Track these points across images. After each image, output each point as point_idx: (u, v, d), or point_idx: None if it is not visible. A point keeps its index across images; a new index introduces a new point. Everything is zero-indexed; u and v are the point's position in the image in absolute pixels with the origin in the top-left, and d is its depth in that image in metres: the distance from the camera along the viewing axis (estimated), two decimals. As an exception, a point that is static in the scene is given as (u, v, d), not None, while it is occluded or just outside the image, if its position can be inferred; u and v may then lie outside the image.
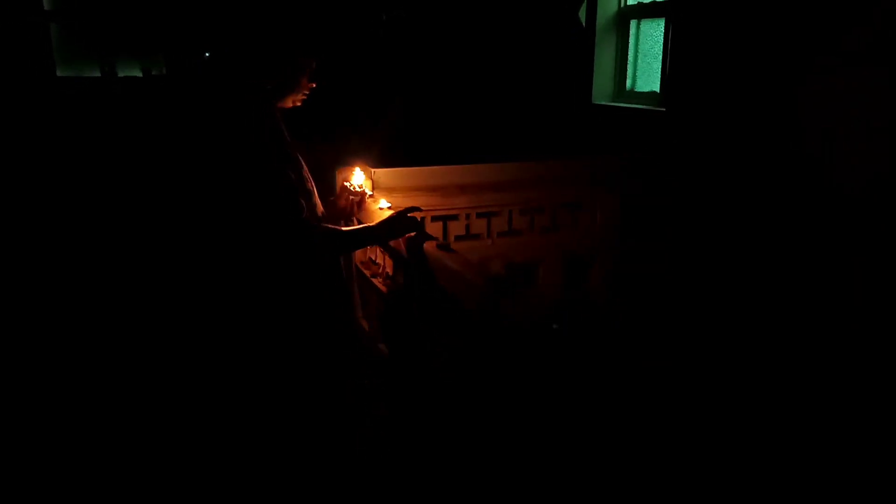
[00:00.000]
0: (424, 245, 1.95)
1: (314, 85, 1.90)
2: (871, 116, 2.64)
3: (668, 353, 2.66)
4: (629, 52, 4.32)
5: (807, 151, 2.88)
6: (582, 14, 4.38)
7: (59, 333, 3.36)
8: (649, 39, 4.21)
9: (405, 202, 2.65)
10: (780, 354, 2.72)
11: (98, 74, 4.82)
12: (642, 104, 4.12)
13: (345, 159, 2.47)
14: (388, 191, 2.62)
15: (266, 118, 1.78)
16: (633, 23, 4.28)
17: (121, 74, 4.85)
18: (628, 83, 4.35)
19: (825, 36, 2.78)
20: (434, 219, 2.81)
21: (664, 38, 3.90)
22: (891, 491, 2.01)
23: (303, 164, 1.88)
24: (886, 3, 2.56)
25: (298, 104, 1.91)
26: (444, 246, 1.95)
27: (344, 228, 1.97)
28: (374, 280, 2.46)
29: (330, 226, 1.93)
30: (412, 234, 1.98)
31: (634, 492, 1.47)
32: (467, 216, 2.88)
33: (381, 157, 2.81)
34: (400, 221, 1.96)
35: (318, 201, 1.95)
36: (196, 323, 2.01)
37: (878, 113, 2.62)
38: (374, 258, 2.55)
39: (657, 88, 4.04)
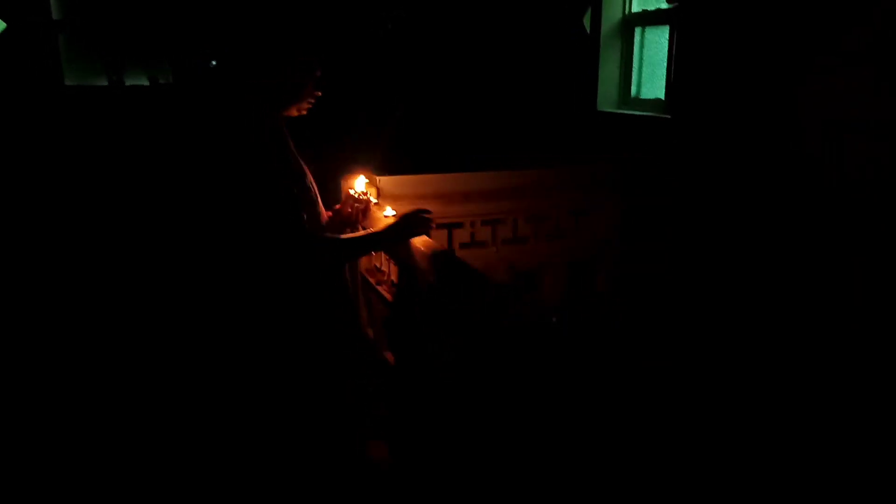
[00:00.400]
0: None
1: (319, 93, 1.89)
2: (871, 116, 2.65)
3: (668, 353, 2.66)
4: (634, 60, 4.32)
5: (807, 151, 2.88)
6: (587, 21, 4.39)
7: (69, 338, 3.38)
8: (654, 47, 4.22)
9: (410, 209, 2.65)
10: (780, 354, 2.72)
11: (105, 83, 4.85)
12: (647, 111, 4.12)
13: (350, 167, 2.48)
14: (393, 198, 2.63)
15: (270, 128, 1.79)
16: (637, 30, 4.29)
17: (128, 83, 4.88)
18: (633, 90, 4.36)
19: (826, 37, 2.79)
20: (439, 226, 2.81)
21: (669, 46, 3.91)
22: (891, 491, 2.00)
23: (307, 172, 1.88)
24: (886, 4, 2.57)
25: (304, 112, 1.90)
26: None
27: (346, 236, 1.97)
28: (379, 287, 2.46)
29: (331, 235, 1.94)
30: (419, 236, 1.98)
31: (635, 491, 1.47)
32: (472, 224, 2.89)
33: (386, 164, 2.81)
34: (405, 224, 1.96)
35: (322, 210, 1.95)
36: (199, 326, 2.02)
37: (878, 113, 2.62)
38: (378, 265, 2.56)
39: (662, 95, 4.04)
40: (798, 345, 2.75)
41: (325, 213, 1.98)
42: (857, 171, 2.72)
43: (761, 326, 2.89)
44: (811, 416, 2.31)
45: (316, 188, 1.91)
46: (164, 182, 4.18)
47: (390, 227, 1.96)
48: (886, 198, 2.61)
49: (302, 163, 1.86)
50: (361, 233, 2.04)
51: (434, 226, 2.00)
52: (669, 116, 3.77)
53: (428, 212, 2.01)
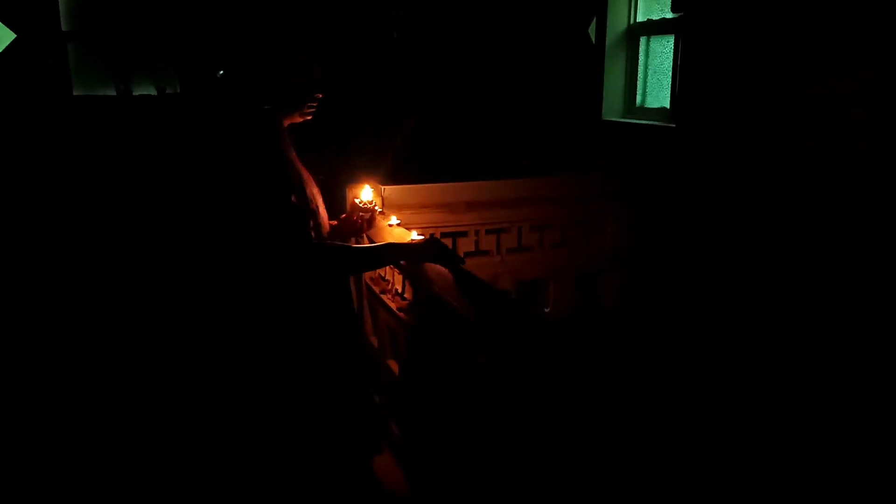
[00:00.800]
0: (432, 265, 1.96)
1: (321, 95, 1.86)
2: (871, 118, 2.65)
3: (668, 353, 2.66)
4: (639, 69, 4.34)
5: (808, 153, 2.89)
6: (592, 31, 4.41)
7: (77, 341, 3.41)
8: (659, 56, 4.23)
9: (415, 219, 2.67)
10: (780, 354, 2.72)
11: (113, 93, 4.89)
12: (652, 120, 4.13)
13: (355, 176, 2.49)
14: (398, 208, 2.64)
15: (270, 129, 1.79)
16: (642, 40, 4.30)
17: (136, 93, 4.92)
18: (638, 99, 4.37)
19: (827, 39, 2.80)
20: (443, 235, 2.82)
21: (673, 55, 3.92)
22: (891, 491, 1.99)
23: (310, 181, 1.87)
24: (887, 5, 2.57)
25: (308, 117, 1.88)
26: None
27: (359, 245, 1.98)
28: (383, 296, 2.46)
29: (340, 243, 1.94)
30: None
31: (635, 492, 1.47)
32: (476, 232, 2.89)
33: (394, 168, 2.82)
34: (434, 252, 1.95)
35: (324, 220, 1.94)
36: (202, 329, 2.02)
37: (878, 114, 2.62)
38: (383, 275, 2.56)
39: (667, 104, 4.05)
40: (798, 344, 2.75)
41: (326, 225, 1.97)
42: (858, 172, 2.72)
43: (762, 326, 2.89)
44: (811, 416, 2.31)
45: (320, 198, 1.91)
46: (169, 189, 4.20)
47: (415, 249, 1.94)
48: (887, 199, 2.61)
49: (305, 172, 1.86)
50: (378, 244, 2.03)
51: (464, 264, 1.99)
52: (674, 125, 3.78)
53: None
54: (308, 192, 1.81)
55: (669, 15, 3.97)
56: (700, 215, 3.24)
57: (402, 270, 2.23)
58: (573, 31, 4.52)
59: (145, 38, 4.92)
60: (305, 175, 1.85)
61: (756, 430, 2.20)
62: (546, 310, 3.08)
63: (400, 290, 2.37)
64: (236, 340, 1.86)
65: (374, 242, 2.12)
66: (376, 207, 2.27)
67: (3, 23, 4.29)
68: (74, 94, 4.77)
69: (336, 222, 2.13)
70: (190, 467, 2.49)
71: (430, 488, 2.13)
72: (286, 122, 1.85)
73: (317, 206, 1.86)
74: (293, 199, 1.73)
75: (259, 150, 1.74)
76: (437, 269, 1.94)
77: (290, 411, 1.87)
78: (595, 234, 3.16)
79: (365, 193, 2.27)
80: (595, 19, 4.39)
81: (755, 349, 2.77)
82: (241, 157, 1.74)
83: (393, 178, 2.94)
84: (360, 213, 2.20)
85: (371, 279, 2.61)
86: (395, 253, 1.99)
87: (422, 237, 2.10)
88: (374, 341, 2.64)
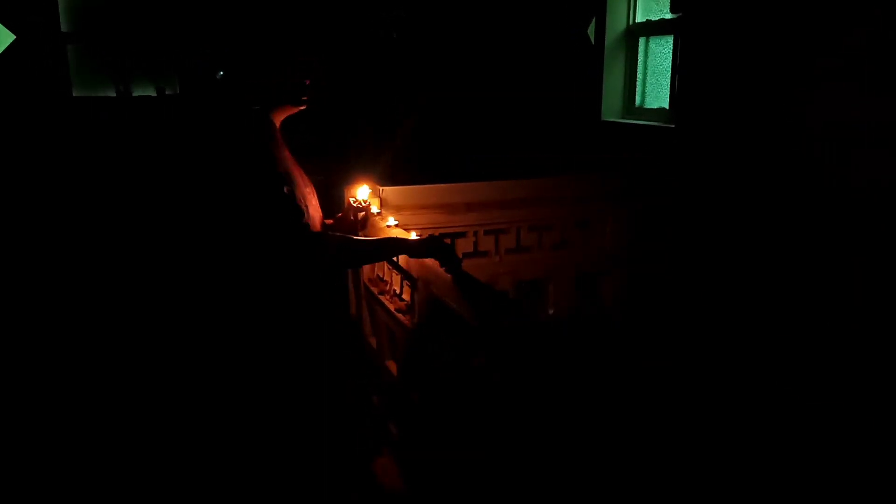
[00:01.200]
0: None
1: (308, 81, 1.85)
2: (871, 118, 2.65)
3: (668, 353, 2.65)
4: (638, 69, 4.33)
5: (808, 153, 2.89)
6: (591, 32, 4.41)
7: (76, 338, 3.41)
8: (658, 56, 4.22)
9: (413, 219, 2.67)
10: (780, 354, 2.71)
11: (113, 94, 4.89)
12: (651, 121, 4.12)
13: (353, 176, 2.49)
14: (396, 208, 2.64)
15: (268, 129, 1.79)
16: (641, 40, 4.30)
17: (135, 94, 4.92)
18: (637, 100, 4.36)
19: (827, 39, 2.80)
20: (442, 236, 2.81)
21: (672, 55, 3.92)
22: (891, 491, 1.99)
23: (302, 181, 1.87)
24: (887, 5, 2.57)
25: (303, 107, 1.88)
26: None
27: (360, 238, 1.98)
28: (381, 297, 2.46)
29: (341, 234, 1.95)
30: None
31: (635, 492, 1.47)
32: (475, 233, 2.88)
33: (392, 169, 2.82)
34: (434, 250, 1.93)
35: (315, 220, 1.93)
36: (200, 327, 2.03)
37: (878, 114, 2.62)
38: (381, 275, 2.56)
39: (666, 105, 4.05)
40: (798, 344, 2.75)
41: (317, 225, 1.95)
42: (858, 173, 2.72)
43: (762, 326, 2.89)
44: (811, 416, 2.30)
45: (312, 198, 1.90)
46: (168, 186, 4.21)
47: (414, 245, 1.93)
48: (887, 199, 2.61)
49: (298, 171, 1.86)
50: (377, 238, 2.02)
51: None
52: (674, 125, 3.77)
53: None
54: (298, 191, 1.80)
55: (668, 15, 3.97)
56: (700, 215, 3.23)
57: (401, 270, 2.23)
58: (572, 32, 4.52)
59: (145, 38, 4.92)
60: (297, 174, 1.85)
61: (756, 429, 2.20)
62: (550, 312, 3.07)
63: (398, 291, 2.37)
64: (236, 340, 1.87)
65: (372, 241, 2.12)
66: (371, 206, 2.27)
67: (3, 23, 4.30)
68: (74, 95, 4.77)
69: (332, 221, 2.13)
70: (190, 467, 2.49)
71: (429, 488, 2.13)
72: (282, 117, 1.86)
73: (307, 206, 1.85)
74: (285, 190, 1.73)
75: (257, 142, 1.75)
76: (435, 270, 1.93)
77: (289, 411, 1.87)
78: (595, 235, 3.15)
79: (360, 192, 2.27)
80: (594, 19, 4.38)
81: (755, 349, 2.77)
82: (234, 154, 1.74)
83: (393, 178, 2.94)
84: (355, 212, 2.21)
85: (369, 280, 2.61)
86: (394, 247, 1.99)
87: (396, 223, 2.10)
88: (373, 342, 2.63)
